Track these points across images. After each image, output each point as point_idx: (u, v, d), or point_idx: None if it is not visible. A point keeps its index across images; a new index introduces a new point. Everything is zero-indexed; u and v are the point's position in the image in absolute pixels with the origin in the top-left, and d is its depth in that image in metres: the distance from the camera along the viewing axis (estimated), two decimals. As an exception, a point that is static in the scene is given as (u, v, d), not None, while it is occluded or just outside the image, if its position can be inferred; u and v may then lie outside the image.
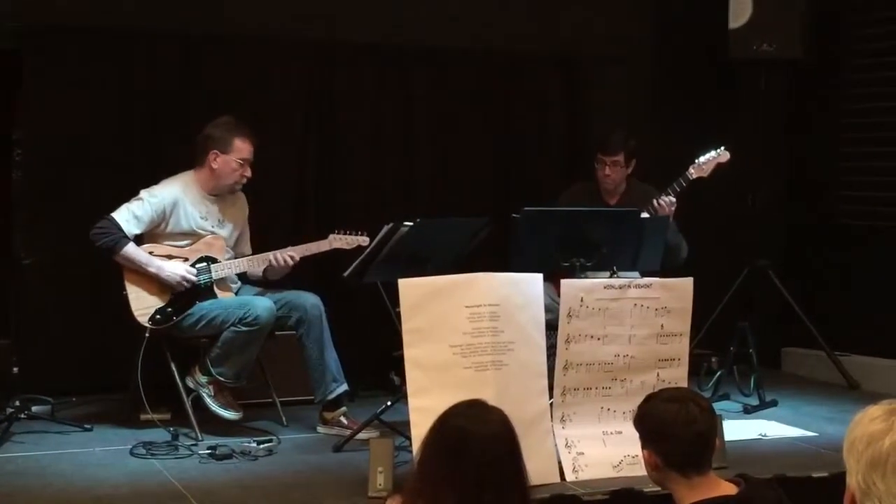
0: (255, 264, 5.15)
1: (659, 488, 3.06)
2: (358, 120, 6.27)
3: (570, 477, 4.27)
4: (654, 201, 5.34)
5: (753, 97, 6.55)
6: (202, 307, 4.97)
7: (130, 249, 4.92)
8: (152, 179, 5.14)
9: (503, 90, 6.58)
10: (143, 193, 5.00)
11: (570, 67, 6.73)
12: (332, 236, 5.08)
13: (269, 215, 5.66)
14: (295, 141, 6.09)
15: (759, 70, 6.45)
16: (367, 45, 6.23)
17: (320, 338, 4.99)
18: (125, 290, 4.95)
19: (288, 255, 5.06)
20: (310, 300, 5.04)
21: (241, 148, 5.05)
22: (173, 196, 5.02)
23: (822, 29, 6.50)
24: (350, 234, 5.03)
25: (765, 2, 6.18)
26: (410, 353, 4.11)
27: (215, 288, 5.06)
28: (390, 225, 4.70)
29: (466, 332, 4.12)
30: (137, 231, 4.97)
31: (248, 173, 5.11)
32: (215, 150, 5.04)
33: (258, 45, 6.05)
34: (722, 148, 5.49)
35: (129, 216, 4.93)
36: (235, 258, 5.18)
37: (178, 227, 5.04)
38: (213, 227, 5.12)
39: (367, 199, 6.18)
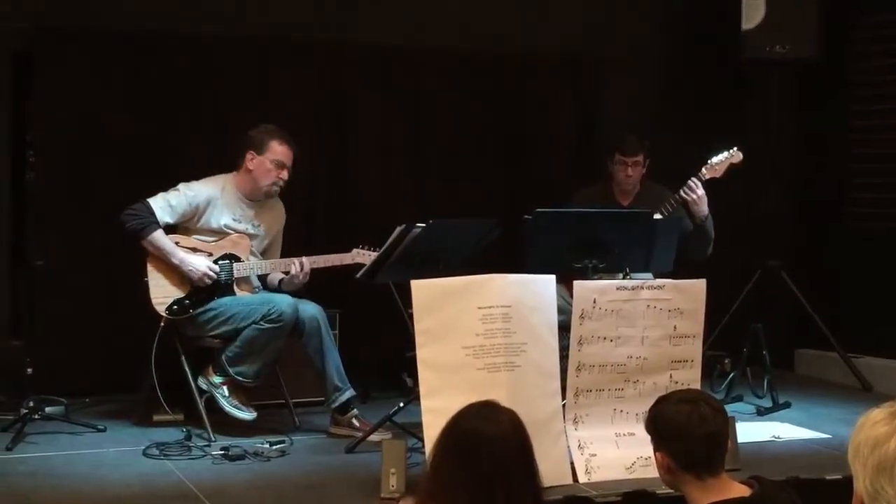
0: (276, 268, 5.16)
1: (672, 490, 3.04)
2: (368, 121, 6.28)
3: (582, 478, 4.27)
4: (691, 181, 5.33)
5: (765, 98, 6.53)
6: (221, 303, 4.99)
7: (158, 236, 4.95)
8: (165, 180, 5.15)
9: (513, 91, 6.57)
10: (181, 186, 5.05)
11: (581, 68, 6.73)
12: (354, 251, 5.10)
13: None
14: (305, 142, 6.09)
15: (772, 71, 6.43)
16: (378, 46, 6.24)
17: (320, 348, 4.98)
18: (146, 276, 4.97)
19: (301, 262, 5.05)
20: (308, 311, 4.99)
21: (277, 150, 5.09)
22: (209, 194, 5.05)
23: (836, 30, 6.48)
24: (373, 249, 5.02)
25: (778, 3, 6.16)
26: (423, 354, 4.10)
27: (235, 286, 5.07)
28: (403, 226, 4.70)
29: (479, 333, 4.12)
30: (170, 220, 5.00)
31: (285, 176, 5.14)
32: (251, 151, 5.08)
33: (269, 47, 6.07)
34: (735, 149, 5.47)
35: (164, 204, 4.98)
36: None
37: (208, 225, 5.07)
38: (246, 229, 5.14)
39: (378, 201, 6.19)
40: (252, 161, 5.09)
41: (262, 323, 4.87)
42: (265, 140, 5.09)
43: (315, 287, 5.21)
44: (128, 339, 5.37)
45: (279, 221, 5.32)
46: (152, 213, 4.95)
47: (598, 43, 6.63)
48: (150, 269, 4.98)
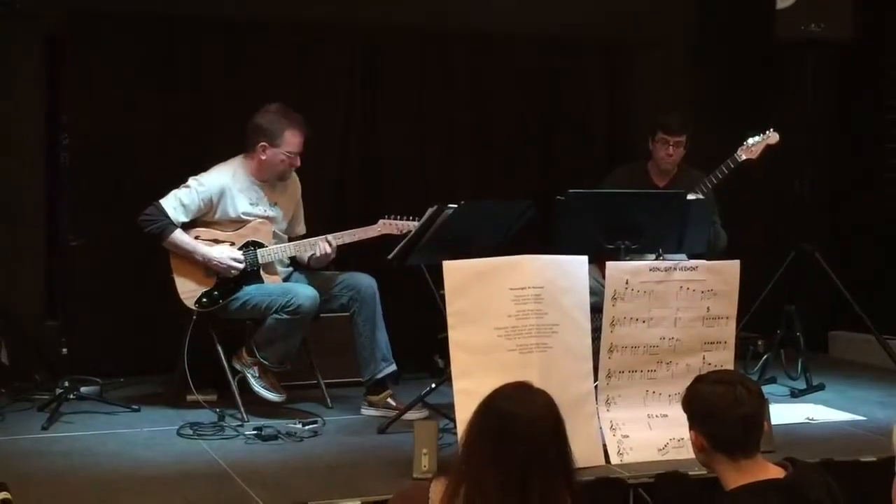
0: (302, 249, 5.15)
1: (704, 471, 3.04)
2: (401, 103, 6.27)
3: (614, 460, 4.26)
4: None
5: (801, 78, 6.46)
6: (248, 292, 4.99)
7: (177, 236, 4.94)
8: (197, 163, 5.17)
9: (546, 73, 6.55)
10: (192, 181, 4.99)
11: (613, 50, 6.70)
12: (381, 221, 5.05)
13: (311, 199, 5.65)
14: (337, 124, 6.10)
15: (807, 51, 6.36)
16: (410, 28, 6.24)
17: (373, 317, 5.01)
18: (171, 274, 4.98)
19: (327, 240, 5.05)
20: (365, 280, 5.06)
21: (291, 141, 5.01)
22: (220, 185, 5.00)
23: (872, 9, 6.40)
24: (399, 219, 5.01)
25: (813, -19, 6.09)
26: (454, 335, 4.10)
27: (262, 272, 5.07)
28: (435, 207, 4.69)
29: (511, 314, 4.11)
30: (184, 219, 4.97)
31: (297, 163, 5.08)
32: (264, 143, 5.00)
33: (301, 29, 6.07)
34: (771, 129, 5.45)
35: (177, 204, 4.94)
36: (288, 241, 5.18)
37: (226, 216, 5.04)
38: (264, 211, 5.10)
39: (410, 183, 6.18)
40: (265, 152, 5.00)
41: (280, 313, 4.87)
42: (278, 131, 4.98)
43: (348, 268, 5.21)
44: (162, 320, 5.41)
45: (295, 194, 5.28)
46: (166, 215, 4.91)
47: (630, 24, 6.59)
48: (174, 266, 4.97)
